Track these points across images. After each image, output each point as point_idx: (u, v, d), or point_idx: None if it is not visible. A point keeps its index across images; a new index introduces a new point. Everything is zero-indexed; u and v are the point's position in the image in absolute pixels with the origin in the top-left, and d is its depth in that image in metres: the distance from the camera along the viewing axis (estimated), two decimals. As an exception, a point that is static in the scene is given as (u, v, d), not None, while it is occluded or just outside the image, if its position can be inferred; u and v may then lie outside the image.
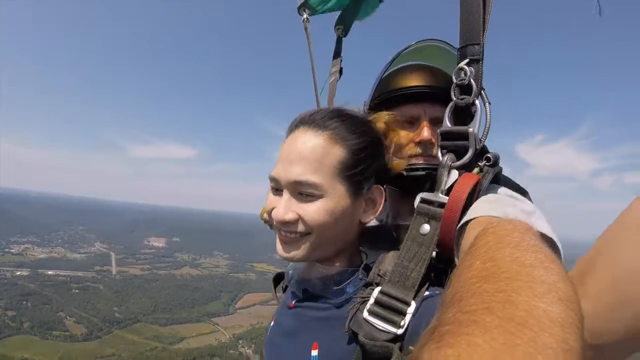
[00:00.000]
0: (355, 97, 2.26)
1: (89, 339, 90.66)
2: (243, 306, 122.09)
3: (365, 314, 1.22)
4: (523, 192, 1.52)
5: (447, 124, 1.52)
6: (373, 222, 1.72)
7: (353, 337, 1.24)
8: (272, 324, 1.72)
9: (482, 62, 1.47)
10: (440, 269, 1.34)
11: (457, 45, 1.55)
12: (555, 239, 1.21)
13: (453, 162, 1.44)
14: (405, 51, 2.01)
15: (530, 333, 0.57)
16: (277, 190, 1.48)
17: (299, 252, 1.45)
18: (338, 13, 2.81)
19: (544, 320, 0.60)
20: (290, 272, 1.69)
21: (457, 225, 1.26)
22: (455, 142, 1.47)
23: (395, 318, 1.18)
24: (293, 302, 1.61)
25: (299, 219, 1.40)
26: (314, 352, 1.38)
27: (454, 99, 1.51)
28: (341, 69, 2.61)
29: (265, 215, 1.73)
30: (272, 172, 1.47)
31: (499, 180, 1.48)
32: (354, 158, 1.44)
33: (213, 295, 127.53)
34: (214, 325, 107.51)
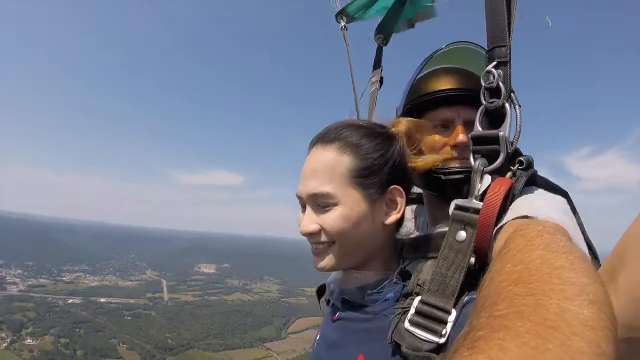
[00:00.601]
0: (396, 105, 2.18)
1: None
2: (295, 331, 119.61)
3: (407, 325, 1.24)
4: (563, 194, 1.52)
5: (479, 128, 1.54)
6: (414, 233, 1.84)
7: (396, 348, 1.26)
8: (317, 337, 1.74)
9: (510, 64, 1.47)
10: (479, 275, 1.33)
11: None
12: (579, 242, 1.18)
13: (485, 167, 1.45)
14: (436, 55, 2.06)
15: (562, 337, 0.57)
16: (303, 207, 1.58)
17: (328, 262, 1.52)
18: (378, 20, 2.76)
19: (575, 324, 0.60)
20: (330, 285, 1.74)
21: (493, 231, 1.27)
22: (486, 147, 1.48)
23: (437, 327, 1.19)
24: (337, 315, 1.64)
25: (321, 229, 1.49)
26: None
27: (484, 102, 1.53)
28: (382, 78, 2.60)
29: None
30: (297, 191, 1.58)
31: (536, 182, 1.49)
32: (364, 163, 1.50)
33: (265, 321, 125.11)
34: (267, 351, 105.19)
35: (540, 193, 1.43)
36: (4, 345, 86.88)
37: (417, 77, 2.00)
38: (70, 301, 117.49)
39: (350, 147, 1.50)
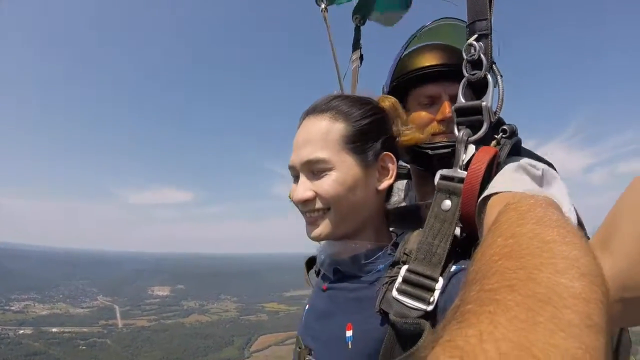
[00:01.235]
0: (380, 83, 2.28)
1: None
2: (258, 349, 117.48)
3: (395, 293, 1.25)
4: (548, 164, 1.54)
5: (461, 100, 1.57)
6: (402, 204, 1.89)
7: (384, 316, 1.28)
8: (306, 307, 1.74)
9: (491, 36, 1.52)
10: (465, 243, 1.38)
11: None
12: (568, 209, 1.21)
13: (470, 137, 1.48)
14: (422, 31, 2.10)
15: (553, 310, 0.57)
16: (296, 177, 1.59)
17: (324, 229, 1.53)
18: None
19: (566, 297, 0.60)
20: (321, 255, 1.70)
21: (477, 198, 1.29)
22: (469, 118, 1.52)
23: (424, 295, 1.20)
24: (326, 284, 1.65)
25: (316, 195, 1.50)
26: (349, 333, 1.40)
27: (466, 74, 1.57)
28: (361, 55, 2.65)
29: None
30: (289, 162, 1.58)
31: (520, 151, 1.52)
32: (357, 129, 1.53)
33: (226, 341, 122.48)
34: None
35: (525, 161, 1.44)
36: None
37: (402, 53, 2.07)
38: (21, 331, 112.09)
39: (342, 115, 1.53)
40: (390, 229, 1.71)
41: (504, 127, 1.47)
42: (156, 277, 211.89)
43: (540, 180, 1.34)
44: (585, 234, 1.37)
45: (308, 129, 1.55)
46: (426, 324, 1.14)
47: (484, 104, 1.47)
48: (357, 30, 2.67)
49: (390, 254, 1.47)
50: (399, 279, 1.27)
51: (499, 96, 1.51)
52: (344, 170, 1.47)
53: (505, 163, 1.40)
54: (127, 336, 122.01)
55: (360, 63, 2.59)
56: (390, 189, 1.66)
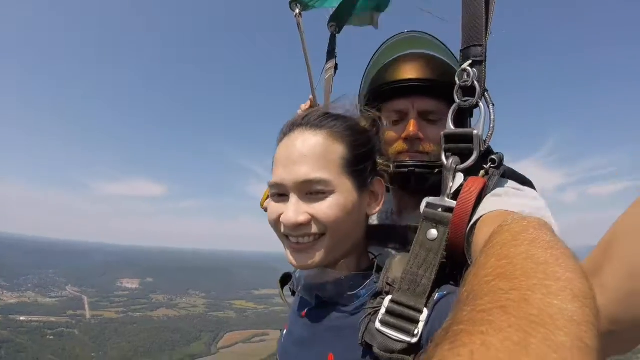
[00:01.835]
0: (354, 90, 2.25)
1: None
2: (225, 345, 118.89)
3: (378, 325, 1.21)
4: (529, 184, 1.56)
5: (451, 126, 1.53)
6: (376, 221, 1.83)
7: (367, 348, 1.24)
8: (284, 332, 1.69)
9: (486, 63, 1.48)
10: (450, 271, 1.35)
11: (457, 47, 1.57)
12: (556, 230, 1.13)
13: (458, 165, 1.44)
14: (396, 40, 2.10)
15: (545, 332, 0.57)
16: (281, 196, 1.46)
17: (316, 258, 1.42)
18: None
19: (559, 319, 0.60)
20: (298, 276, 1.65)
21: (466, 229, 1.27)
22: (459, 145, 1.48)
23: (409, 327, 1.17)
24: (305, 310, 1.58)
25: (312, 219, 1.39)
26: None
27: (457, 100, 1.52)
28: (336, 64, 2.55)
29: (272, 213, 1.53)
30: (274, 178, 1.46)
31: (505, 175, 1.50)
32: (354, 153, 1.46)
33: (193, 336, 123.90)
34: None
35: (512, 185, 1.45)
36: None
37: (373, 63, 2.13)
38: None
39: (340, 136, 1.46)
40: (369, 249, 1.65)
41: (493, 157, 1.45)
42: (126, 269, 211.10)
43: (527, 203, 1.33)
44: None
45: (302, 144, 1.43)
46: None
47: (475, 132, 1.44)
48: (333, 39, 2.62)
49: (376, 282, 1.40)
50: (383, 310, 1.23)
51: (490, 125, 1.48)
52: (344, 194, 1.40)
53: (494, 189, 1.39)
54: (95, 327, 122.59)
55: (335, 72, 2.54)
56: None
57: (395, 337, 1.17)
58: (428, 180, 1.74)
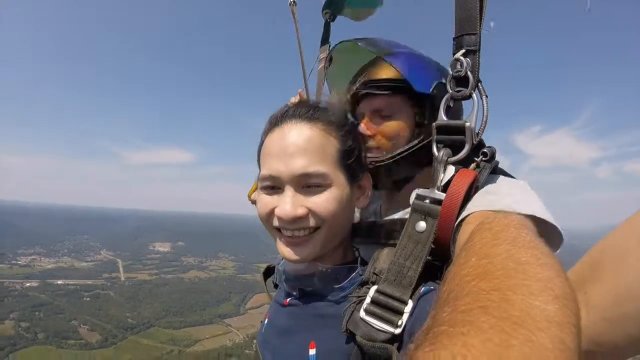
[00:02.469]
0: None
1: (105, 345, 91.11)
2: (253, 306, 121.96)
3: (362, 314, 1.18)
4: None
5: (443, 117, 1.46)
6: (358, 218, 1.79)
7: (350, 337, 1.21)
8: (265, 321, 1.65)
9: (479, 52, 1.41)
10: (436, 265, 1.31)
11: (452, 36, 1.47)
12: (555, 222, 1.18)
13: (449, 157, 1.39)
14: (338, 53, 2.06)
15: (526, 333, 0.56)
16: (273, 188, 1.39)
17: (310, 251, 1.38)
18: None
19: (540, 320, 0.59)
20: (280, 268, 1.60)
21: (455, 222, 1.23)
22: (451, 137, 1.42)
23: (393, 317, 1.14)
24: (287, 299, 1.54)
25: (309, 212, 1.35)
26: (312, 352, 1.34)
27: (450, 91, 1.45)
28: (331, 56, 2.35)
29: (259, 204, 1.48)
30: (267, 170, 1.38)
31: (496, 172, 1.44)
32: (347, 148, 1.43)
33: (223, 297, 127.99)
34: (226, 327, 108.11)
35: (502, 181, 1.38)
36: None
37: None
38: (28, 284, 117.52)
39: (334, 129, 1.42)
40: (354, 243, 1.60)
41: (485, 150, 1.36)
42: (157, 233, 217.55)
43: (517, 198, 1.25)
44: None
45: (297, 136, 1.36)
46: (394, 350, 1.09)
47: (467, 124, 1.35)
48: (327, 27, 2.54)
49: (361, 275, 1.36)
50: (368, 300, 1.19)
51: (482, 117, 1.38)
52: (340, 188, 1.36)
53: (484, 184, 1.33)
54: (129, 289, 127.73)
55: (329, 64, 2.34)
56: None
57: (379, 327, 1.14)
58: (389, 174, 1.74)
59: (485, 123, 1.40)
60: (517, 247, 0.83)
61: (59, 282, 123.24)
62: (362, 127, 1.74)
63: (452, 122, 1.43)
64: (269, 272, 1.85)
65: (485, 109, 1.41)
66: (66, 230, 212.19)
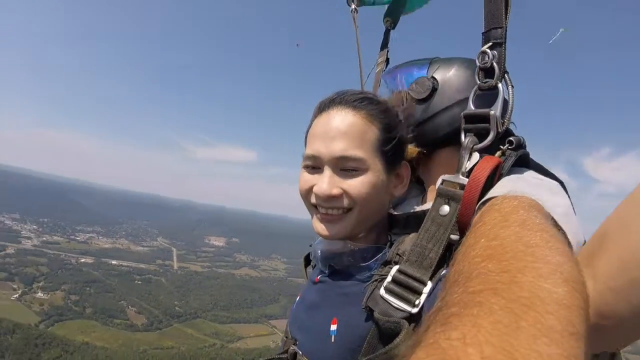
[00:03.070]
0: None
1: (149, 329, 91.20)
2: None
3: (382, 292, 1.25)
4: (556, 180, 1.50)
5: (471, 106, 1.55)
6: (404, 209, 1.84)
7: (369, 313, 1.28)
8: (297, 298, 1.75)
9: (505, 45, 1.50)
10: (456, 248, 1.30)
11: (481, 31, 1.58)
12: (569, 232, 1.14)
13: (475, 145, 1.46)
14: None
15: (535, 315, 0.57)
16: (314, 168, 1.51)
17: (341, 230, 1.48)
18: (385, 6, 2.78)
19: (549, 302, 0.60)
20: (317, 249, 1.67)
21: (475, 206, 1.27)
22: (477, 125, 1.50)
23: (411, 297, 1.19)
24: (318, 277, 1.65)
25: (343, 193, 1.44)
26: (333, 327, 1.41)
27: (477, 82, 1.55)
28: (387, 59, 2.63)
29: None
30: (310, 150, 1.51)
31: (528, 164, 1.49)
32: (387, 136, 1.51)
33: (271, 298, 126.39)
34: (271, 328, 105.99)
35: (530, 173, 1.43)
36: (15, 296, 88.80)
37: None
38: (82, 260, 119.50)
39: (377, 118, 1.51)
40: (391, 233, 1.64)
41: (511, 138, 1.45)
42: (214, 228, 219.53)
43: (536, 188, 1.28)
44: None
45: (341, 120, 1.48)
46: (405, 324, 1.15)
47: (492, 112, 1.45)
48: (387, 33, 2.69)
49: (385, 255, 1.46)
50: (388, 278, 1.27)
51: (509, 107, 1.50)
52: (375, 174, 1.46)
53: (509, 173, 1.38)
54: (181, 278, 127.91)
55: (386, 66, 2.58)
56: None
57: (397, 304, 1.20)
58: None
59: (511, 112, 1.50)
60: (527, 229, 0.84)
61: (114, 262, 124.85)
62: None
63: (478, 110, 1.51)
64: (309, 259, 1.90)
65: (511, 99, 1.51)
66: (126, 213, 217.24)
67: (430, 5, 3.00)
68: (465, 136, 1.50)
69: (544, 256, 0.72)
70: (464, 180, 1.34)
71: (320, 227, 1.51)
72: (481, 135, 1.47)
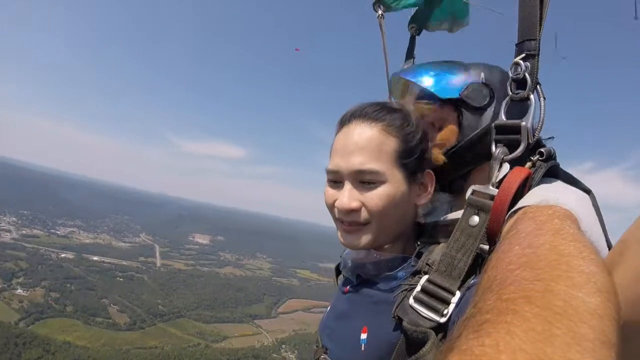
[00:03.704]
0: None
1: (132, 329, 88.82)
2: (286, 311, 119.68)
3: (411, 301, 1.27)
4: (585, 190, 1.50)
5: (502, 117, 1.57)
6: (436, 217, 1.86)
7: (398, 322, 1.29)
8: (328, 308, 1.81)
9: (538, 57, 1.52)
10: (485, 258, 1.35)
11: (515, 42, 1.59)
12: (589, 235, 1.06)
13: (505, 156, 1.48)
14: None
15: (569, 323, 0.58)
16: (336, 182, 1.58)
17: (363, 241, 1.54)
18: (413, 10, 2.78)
19: (582, 311, 0.61)
20: (346, 259, 1.74)
21: (505, 216, 1.28)
22: (508, 136, 1.51)
23: (440, 306, 1.21)
24: (347, 287, 1.71)
25: (362, 206, 1.50)
26: (363, 336, 1.45)
27: (509, 93, 1.56)
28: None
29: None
30: (331, 165, 1.58)
31: (558, 175, 1.50)
32: (407, 146, 1.54)
33: (256, 298, 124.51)
34: (256, 328, 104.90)
35: (559, 184, 1.44)
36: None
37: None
38: (63, 255, 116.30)
39: (395, 130, 1.54)
40: (418, 242, 1.68)
41: (541, 150, 1.46)
42: (199, 225, 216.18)
43: (566, 199, 1.25)
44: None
45: (358, 135, 1.54)
46: (432, 334, 1.16)
47: (523, 124, 1.46)
48: (412, 40, 2.66)
49: (413, 265, 1.48)
50: (418, 288, 1.29)
51: (539, 118, 1.51)
52: (394, 185, 1.50)
53: (538, 184, 1.39)
54: (164, 276, 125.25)
55: None
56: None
57: (426, 314, 1.22)
58: (445, 172, 1.78)
59: (542, 123, 1.51)
60: (561, 238, 0.85)
61: (95, 258, 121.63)
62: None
63: (509, 121, 1.53)
64: (339, 269, 1.93)
65: (542, 110, 1.52)
66: (109, 208, 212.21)
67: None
68: (495, 147, 1.52)
69: (577, 266, 0.73)
70: (494, 191, 1.36)
71: (342, 238, 1.58)
72: (512, 147, 1.49)
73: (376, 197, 1.48)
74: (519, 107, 1.55)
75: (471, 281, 1.25)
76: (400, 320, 1.27)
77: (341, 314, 1.64)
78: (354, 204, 1.48)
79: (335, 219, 1.59)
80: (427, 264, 1.38)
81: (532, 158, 1.46)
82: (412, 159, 1.54)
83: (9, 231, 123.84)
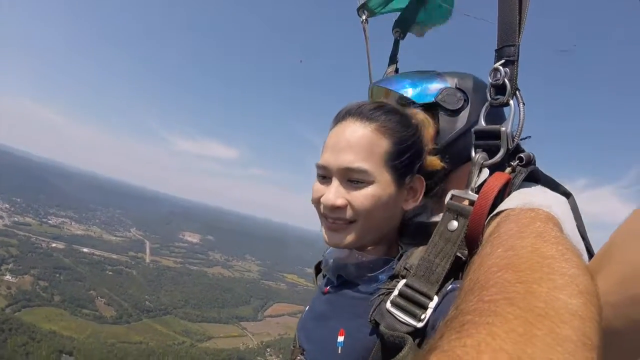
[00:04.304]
0: None
1: (118, 322, 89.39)
2: (272, 314, 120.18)
3: (389, 305, 1.25)
4: (565, 194, 1.52)
5: (482, 123, 1.57)
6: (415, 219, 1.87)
7: (375, 326, 1.28)
8: (307, 308, 1.77)
9: (518, 63, 1.51)
10: (463, 262, 1.35)
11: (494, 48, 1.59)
12: (573, 239, 1.10)
13: (485, 161, 1.48)
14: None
15: (550, 325, 0.58)
16: (325, 178, 1.54)
17: (346, 239, 1.50)
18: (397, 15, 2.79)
19: (563, 313, 0.61)
20: (328, 259, 1.71)
21: (484, 222, 1.28)
22: (487, 141, 1.51)
23: (417, 311, 1.19)
24: (327, 287, 1.67)
25: (348, 205, 1.46)
26: (340, 339, 1.42)
27: (489, 98, 1.56)
28: (397, 69, 2.64)
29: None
30: (321, 160, 1.54)
31: (538, 179, 1.51)
32: (399, 149, 1.50)
33: (243, 299, 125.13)
34: (242, 330, 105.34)
35: (538, 188, 1.45)
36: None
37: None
38: (54, 245, 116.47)
39: (388, 131, 1.51)
40: (400, 242, 1.67)
41: (521, 155, 1.47)
42: (189, 223, 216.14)
43: (546, 202, 1.27)
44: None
45: (351, 133, 1.50)
46: (409, 339, 1.15)
47: (503, 129, 1.46)
48: (396, 44, 2.67)
49: (394, 268, 1.44)
50: (395, 292, 1.28)
51: (519, 124, 1.50)
52: (381, 186, 1.47)
53: (518, 189, 1.40)
54: (153, 272, 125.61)
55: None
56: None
57: (403, 319, 1.20)
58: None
59: (522, 129, 1.50)
60: (543, 241, 0.86)
61: (85, 249, 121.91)
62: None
63: (489, 127, 1.53)
64: (319, 267, 1.92)
65: (521, 116, 1.51)
66: (101, 201, 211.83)
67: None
68: (475, 152, 1.52)
69: (559, 268, 0.74)
70: (473, 196, 1.37)
71: (326, 236, 1.54)
72: (491, 152, 1.49)
73: (362, 196, 1.45)
74: (499, 113, 1.57)
75: (449, 286, 1.25)
76: (377, 324, 1.26)
77: (319, 315, 1.62)
78: (339, 201, 1.46)
79: (320, 215, 1.57)
80: (405, 268, 1.36)
81: (511, 163, 1.47)
82: (402, 162, 1.51)
83: (1, 217, 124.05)
